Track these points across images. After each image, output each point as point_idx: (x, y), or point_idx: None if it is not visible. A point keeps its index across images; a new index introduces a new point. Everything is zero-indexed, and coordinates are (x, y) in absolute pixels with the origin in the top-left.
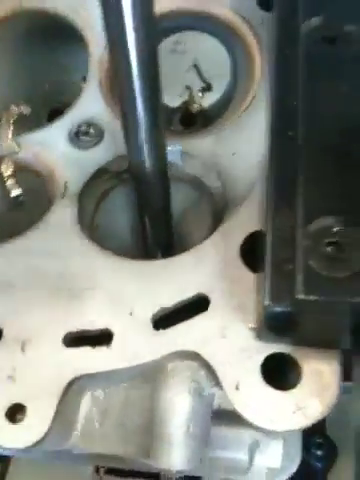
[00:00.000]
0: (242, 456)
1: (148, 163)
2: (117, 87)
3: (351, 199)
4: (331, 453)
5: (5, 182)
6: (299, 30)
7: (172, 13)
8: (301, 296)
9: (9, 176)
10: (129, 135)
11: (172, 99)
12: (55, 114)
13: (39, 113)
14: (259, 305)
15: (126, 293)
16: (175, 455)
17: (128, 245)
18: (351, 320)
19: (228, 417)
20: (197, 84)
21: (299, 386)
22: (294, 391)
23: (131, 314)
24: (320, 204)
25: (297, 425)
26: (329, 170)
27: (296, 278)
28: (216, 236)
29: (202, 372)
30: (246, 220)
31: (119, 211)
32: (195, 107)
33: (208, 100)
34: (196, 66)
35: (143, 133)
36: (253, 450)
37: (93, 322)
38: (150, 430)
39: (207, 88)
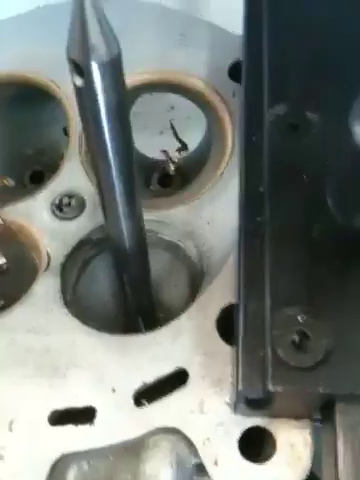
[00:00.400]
0: None
1: (126, 234)
2: (92, 162)
3: (314, 289)
4: None
5: None
6: (264, 116)
7: (146, 84)
8: (270, 387)
9: None
10: (106, 208)
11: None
12: (36, 177)
13: (21, 177)
14: (234, 383)
15: (108, 370)
16: None
17: (110, 313)
18: (318, 403)
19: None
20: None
21: (274, 458)
22: (269, 463)
23: (113, 391)
24: (286, 293)
25: None
26: (294, 259)
27: (266, 368)
28: (192, 309)
29: (182, 445)
30: (221, 292)
31: (100, 279)
32: (172, 168)
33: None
34: (172, 125)
35: (120, 206)
36: None
37: (77, 399)
38: None
39: (183, 147)
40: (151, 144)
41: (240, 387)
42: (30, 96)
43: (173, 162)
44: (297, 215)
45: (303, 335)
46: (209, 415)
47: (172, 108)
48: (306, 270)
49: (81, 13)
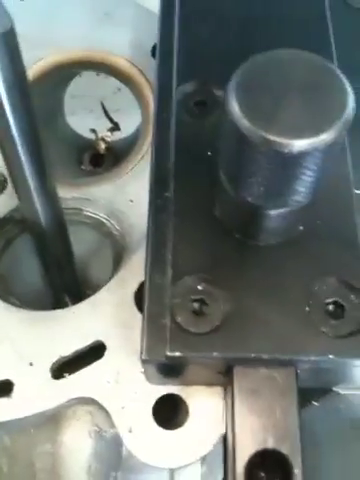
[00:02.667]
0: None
1: (41, 213)
2: None
3: (213, 260)
4: None
5: None
6: (172, 95)
7: (71, 63)
8: (169, 353)
9: None
10: (18, 187)
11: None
12: None
13: None
14: None
15: (26, 344)
16: None
17: (37, 291)
18: (221, 368)
19: None
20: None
21: (186, 424)
22: (182, 429)
23: (31, 364)
24: (187, 263)
25: (189, 460)
26: (196, 232)
27: (166, 335)
28: (112, 283)
29: (101, 415)
30: (140, 267)
31: (24, 259)
32: (102, 147)
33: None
34: (102, 105)
35: (31, 184)
36: (172, 473)
37: None
38: (55, 473)
39: (115, 128)
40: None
41: (143, 354)
42: None
43: (105, 141)
44: (199, 190)
45: (202, 302)
46: (124, 385)
47: (119, 90)
48: (206, 242)
49: None
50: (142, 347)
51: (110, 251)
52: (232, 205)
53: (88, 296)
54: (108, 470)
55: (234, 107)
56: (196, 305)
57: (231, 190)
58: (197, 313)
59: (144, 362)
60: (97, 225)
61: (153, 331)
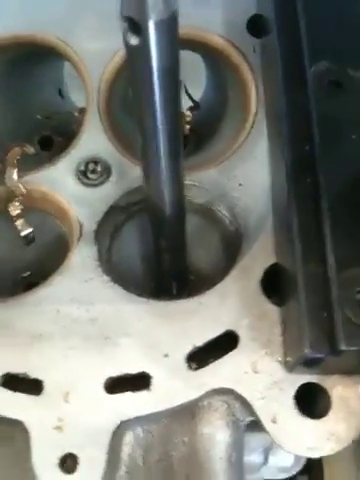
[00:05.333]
0: (256, 458)
1: (167, 194)
2: (138, 121)
3: None
4: None
5: (15, 222)
6: (306, 74)
7: None
8: (343, 347)
9: (18, 216)
10: (149, 166)
11: None
12: (45, 142)
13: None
14: (289, 341)
15: (158, 336)
16: None
17: (140, 277)
18: None
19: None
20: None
21: (330, 413)
22: (326, 419)
23: (166, 356)
24: (350, 254)
25: (331, 450)
26: (353, 218)
27: (336, 329)
28: (236, 272)
29: (237, 404)
30: (263, 254)
31: (131, 245)
32: (187, 128)
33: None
34: (184, 85)
35: (164, 170)
36: (267, 452)
37: (130, 366)
38: (193, 463)
39: (195, 107)
40: None
41: (306, 349)
42: (31, 58)
43: (187, 122)
44: (350, 173)
45: None
46: (263, 375)
47: None
48: None
49: None
50: (305, 341)
51: (216, 237)
52: None
53: (192, 282)
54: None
55: None
56: None
57: None
58: None
59: (306, 355)
60: (202, 211)
61: (315, 324)
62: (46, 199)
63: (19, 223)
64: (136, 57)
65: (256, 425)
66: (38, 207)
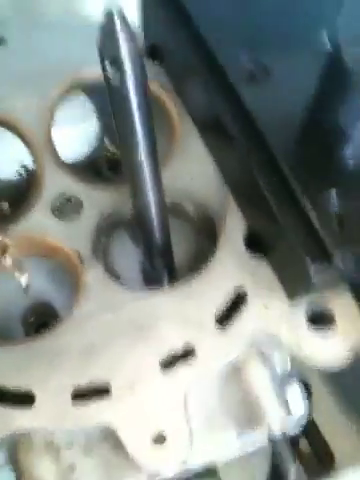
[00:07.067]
0: None
1: (152, 203)
2: (121, 149)
3: None
4: None
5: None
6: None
7: None
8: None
9: (11, 268)
10: (136, 185)
11: None
12: None
13: None
14: (289, 277)
15: (189, 312)
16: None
17: (135, 278)
18: None
19: None
20: None
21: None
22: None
23: (201, 325)
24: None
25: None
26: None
27: (325, 241)
28: (222, 245)
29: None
30: (237, 224)
31: (121, 255)
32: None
33: None
34: None
35: (147, 177)
36: None
37: (177, 344)
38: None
39: None
40: None
41: (309, 265)
42: None
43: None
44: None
45: None
46: (273, 309)
47: None
48: None
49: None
50: (306, 261)
51: (191, 229)
52: None
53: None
54: None
55: None
56: None
57: None
58: None
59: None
60: (171, 210)
61: (306, 244)
62: (33, 243)
63: (16, 275)
64: (116, 89)
65: None
66: (31, 253)
